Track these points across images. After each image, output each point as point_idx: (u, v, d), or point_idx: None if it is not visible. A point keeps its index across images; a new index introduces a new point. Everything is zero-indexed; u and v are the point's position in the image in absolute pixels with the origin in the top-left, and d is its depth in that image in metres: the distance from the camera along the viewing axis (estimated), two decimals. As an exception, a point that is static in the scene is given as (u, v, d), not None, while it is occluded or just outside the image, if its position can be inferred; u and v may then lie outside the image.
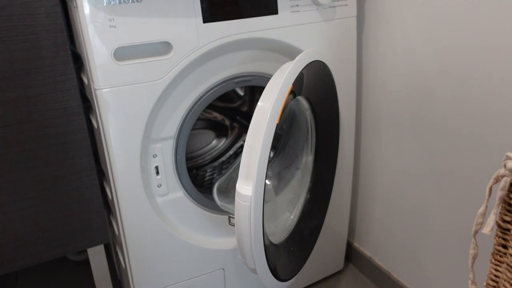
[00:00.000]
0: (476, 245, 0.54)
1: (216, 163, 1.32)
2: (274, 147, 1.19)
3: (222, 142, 1.35)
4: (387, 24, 1.08)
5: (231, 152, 1.34)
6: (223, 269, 1.12)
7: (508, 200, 0.49)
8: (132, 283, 1.03)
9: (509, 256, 0.50)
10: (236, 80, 0.98)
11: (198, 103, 0.95)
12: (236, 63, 0.97)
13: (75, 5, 0.80)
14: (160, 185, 0.98)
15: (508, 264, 0.50)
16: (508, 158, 0.46)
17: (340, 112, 1.11)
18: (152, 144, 0.94)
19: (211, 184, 1.20)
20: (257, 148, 0.78)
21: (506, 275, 0.50)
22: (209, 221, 1.07)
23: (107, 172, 0.95)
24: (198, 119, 1.32)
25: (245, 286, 1.19)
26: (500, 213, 0.50)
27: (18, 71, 0.84)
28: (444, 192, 1.03)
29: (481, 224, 0.52)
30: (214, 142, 1.35)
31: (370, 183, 1.27)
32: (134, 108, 0.87)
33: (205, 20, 0.89)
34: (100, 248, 1.12)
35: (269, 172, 1.17)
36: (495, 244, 0.51)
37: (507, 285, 0.50)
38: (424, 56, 0.99)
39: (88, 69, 0.85)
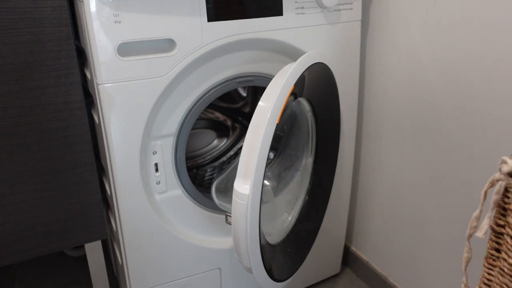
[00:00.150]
0: (469, 248, 0.54)
1: (216, 163, 1.32)
2: (274, 148, 1.20)
3: (223, 143, 1.35)
4: (391, 29, 1.08)
5: (231, 152, 1.34)
6: (219, 268, 1.12)
7: (502, 204, 0.49)
8: (128, 280, 1.03)
9: (502, 260, 0.50)
10: (238, 80, 0.99)
11: (200, 101, 0.96)
12: (239, 63, 0.98)
13: (81, 0, 0.81)
14: (159, 182, 0.98)
15: (500, 268, 0.50)
16: (503, 162, 0.46)
17: (341, 115, 1.11)
18: (152, 141, 0.94)
19: (211, 184, 1.21)
20: (256, 147, 0.78)
21: (498, 279, 0.50)
22: (207, 220, 1.08)
23: (107, 167, 0.95)
24: (200, 118, 1.32)
25: (241, 286, 1.19)
26: (494, 217, 0.50)
27: (22, 63, 0.85)
28: (442, 198, 1.03)
29: (475, 227, 0.52)
30: (215, 142, 1.35)
31: (369, 187, 1.27)
32: (135, 104, 0.87)
33: (209, 19, 0.89)
34: (98, 244, 1.12)
35: (268, 173, 1.18)
36: (488, 248, 0.51)
37: (500, 290, 0.50)
38: (427, 63, 1.00)
39: (92, 64, 0.86)
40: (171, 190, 1.00)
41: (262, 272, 0.90)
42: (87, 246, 1.11)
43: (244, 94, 1.33)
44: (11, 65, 0.84)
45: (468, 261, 0.55)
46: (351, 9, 1.06)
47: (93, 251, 1.12)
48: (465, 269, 0.56)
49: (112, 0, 0.80)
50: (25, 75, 0.86)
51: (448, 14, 0.92)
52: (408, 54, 1.04)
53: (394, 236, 1.21)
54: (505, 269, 0.49)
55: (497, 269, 0.51)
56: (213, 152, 1.34)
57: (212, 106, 1.33)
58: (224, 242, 1.11)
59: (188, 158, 1.28)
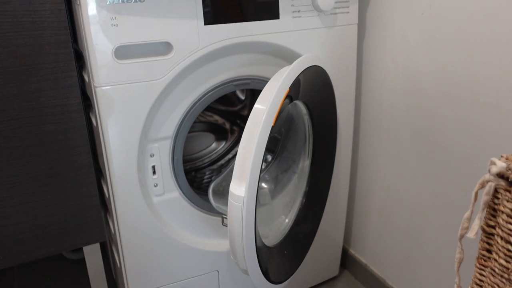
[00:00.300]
0: (461, 249, 0.54)
1: (214, 166, 1.33)
2: (272, 151, 1.20)
3: (222, 146, 1.36)
4: (387, 32, 1.09)
5: (229, 155, 1.35)
6: (217, 271, 1.13)
7: (492, 205, 0.49)
8: (126, 283, 1.03)
9: (493, 261, 0.50)
10: (235, 83, 0.99)
11: (197, 104, 0.96)
12: (235, 66, 0.98)
13: (78, 3, 0.81)
14: (157, 185, 0.98)
15: (492, 269, 0.50)
16: (492, 163, 0.47)
17: (338, 118, 1.12)
18: (150, 144, 0.95)
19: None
20: (252, 149, 0.78)
21: (490, 279, 0.50)
22: (205, 223, 1.08)
23: (105, 170, 0.96)
24: (199, 121, 1.33)
25: (239, 289, 1.19)
26: (484, 218, 0.50)
27: (20, 66, 0.85)
28: (439, 201, 1.03)
29: (467, 228, 0.52)
30: (214, 145, 1.36)
31: (367, 190, 1.28)
32: (133, 106, 0.88)
33: (206, 22, 0.90)
34: (96, 247, 1.12)
35: (266, 176, 1.18)
36: (479, 249, 0.52)
37: (492, 290, 0.51)
38: (422, 65, 1.00)
39: (89, 67, 0.86)
40: (169, 193, 1.01)
41: (258, 274, 0.90)
42: (86, 249, 1.11)
43: (243, 97, 1.33)
44: (9, 68, 0.85)
45: (460, 262, 0.55)
46: (348, 12, 1.06)
47: (92, 254, 1.13)
48: (458, 270, 0.56)
49: (110, 4, 0.80)
50: (23, 78, 0.86)
51: (443, 17, 0.93)
52: (404, 57, 1.05)
53: (392, 238, 1.22)
54: (496, 270, 0.50)
55: (488, 269, 0.51)
56: (212, 155, 1.35)
57: (210, 109, 1.34)
58: (222, 244, 1.11)
59: (186, 161, 1.29)
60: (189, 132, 1.00)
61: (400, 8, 1.04)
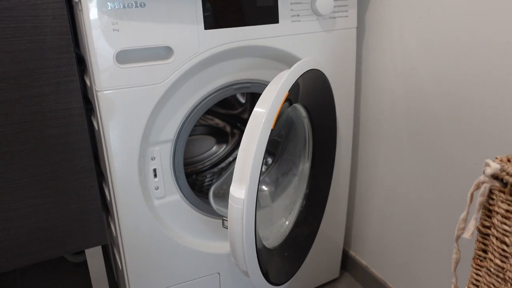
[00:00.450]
0: (458, 249, 0.55)
1: (215, 169, 1.33)
2: (272, 153, 1.21)
3: (222, 149, 1.36)
4: (386, 36, 1.10)
5: (230, 158, 1.35)
6: (218, 273, 1.13)
7: (487, 206, 0.50)
8: (128, 285, 1.04)
9: (488, 261, 0.51)
10: (235, 87, 1.00)
11: (197, 108, 0.97)
12: (236, 69, 0.99)
13: (80, 8, 0.83)
14: (158, 188, 0.99)
15: (487, 269, 0.51)
16: (487, 165, 0.48)
17: (337, 121, 1.13)
18: (151, 147, 0.96)
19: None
20: (251, 152, 0.79)
21: (486, 279, 0.51)
22: (206, 225, 1.09)
23: (106, 173, 0.97)
24: (200, 125, 1.34)
25: (240, 291, 1.19)
26: (480, 218, 0.51)
27: (23, 71, 0.86)
28: (439, 202, 1.03)
29: (463, 229, 0.53)
30: (214, 148, 1.37)
31: (367, 192, 1.28)
32: (134, 110, 0.89)
33: (206, 27, 0.91)
34: (98, 250, 1.13)
35: (266, 178, 1.19)
36: (475, 249, 0.52)
37: (489, 290, 0.51)
38: (421, 68, 1.01)
39: (91, 71, 0.87)
40: (170, 195, 1.02)
41: (258, 276, 0.90)
42: (88, 252, 1.12)
43: (243, 101, 1.34)
44: (12, 72, 0.86)
45: (457, 262, 0.56)
46: (347, 16, 1.07)
47: (94, 257, 1.13)
48: (455, 270, 0.57)
49: (111, 9, 0.81)
50: (26, 82, 0.87)
51: (442, 21, 0.93)
52: (403, 60, 1.06)
53: (392, 240, 1.22)
54: (492, 269, 0.50)
55: (484, 269, 0.52)
56: (212, 158, 1.35)
57: (211, 112, 1.34)
58: (223, 246, 1.12)
59: (187, 164, 1.30)
60: (190, 135, 1.00)
61: (398, 12, 1.05)
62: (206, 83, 0.97)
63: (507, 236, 0.48)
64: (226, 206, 1.03)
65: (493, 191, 0.49)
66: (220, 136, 1.37)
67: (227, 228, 0.85)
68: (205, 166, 1.34)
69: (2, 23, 0.82)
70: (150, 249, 1.01)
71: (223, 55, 0.95)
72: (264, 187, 1.17)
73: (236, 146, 1.36)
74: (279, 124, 0.97)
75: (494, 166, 0.47)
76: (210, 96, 0.98)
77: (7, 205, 0.94)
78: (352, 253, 1.41)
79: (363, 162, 1.28)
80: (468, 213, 0.52)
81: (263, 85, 1.03)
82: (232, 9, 0.92)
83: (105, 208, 1.18)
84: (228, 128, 1.37)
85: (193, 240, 1.08)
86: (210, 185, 1.26)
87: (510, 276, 0.49)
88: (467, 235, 0.50)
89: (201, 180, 1.28)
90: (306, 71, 0.90)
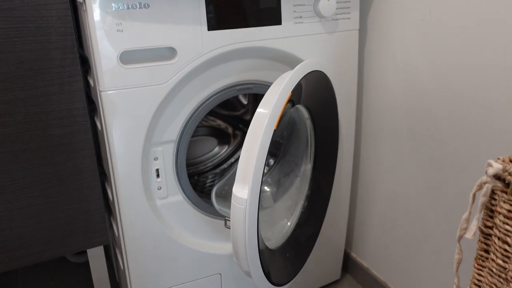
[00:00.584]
0: (460, 250, 0.55)
1: (217, 170, 1.34)
2: (274, 154, 1.21)
3: (224, 150, 1.37)
4: (388, 38, 1.10)
5: (232, 159, 1.36)
6: (220, 273, 1.14)
7: (489, 206, 0.50)
8: (130, 285, 1.04)
9: (490, 261, 0.51)
10: (238, 88, 1.00)
11: (200, 108, 0.98)
12: (238, 70, 1.00)
13: (84, 9, 0.83)
14: (160, 188, 1.00)
15: (489, 269, 0.51)
16: (489, 165, 0.48)
17: (339, 122, 1.13)
18: (154, 147, 0.96)
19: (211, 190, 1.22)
20: (254, 152, 0.80)
21: (488, 279, 0.51)
22: (208, 226, 1.09)
23: (109, 173, 0.97)
24: (202, 125, 1.34)
25: (241, 292, 1.20)
26: (482, 219, 0.51)
27: (27, 71, 0.87)
28: (440, 204, 1.04)
29: (465, 229, 0.53)
30: (216, 149, 1.37)
31: (368, 193, 1.28)
32: (137, 110, 0.89)
33: (210, 28, 0.91)
34: (100, 250, 1.13)
35: (268, 179, 1.19)
36: (477, 249, 0.53)
37: (491, 291, 0.52)
38: (423, 70, 1.01)
39: (94, 71, 0.88)
40: (172, 196, 1.02)
41: (260, 276, 0.91)
42: (90, 252, 1.12)
43: (245, 102, 1.34)
44: (16, 72, 0.86)
45: (459, 263, 0.56)
46: (349, 18, 1.08)
47: (96, 257, 1.14)
48: (457, 270, 0.57)
49: (115, 10, 0.82)
50: (30, 83, 0.88)
51: (443, 23, 0.94)
52: (405, 62, 1.06)
53: (393, 242, 1.22)
54: (494, 270, 0.51)
55: (486, 269, 0.52)
56: (214, 159, 1.36)
57: (213, 113, 1.35)
58: (224, 247, 1.12)
59: (189, 165, 1.30)
60: (192, 136, 1.01)
61: (400, 14, 1.05)
62: (209, 84, 0.97)
63: (509, 236, 0.48)
64: (228, 207, 1.04)
65: (495, 191, 0.50)
66: (222, 137, 1.37)
67: (229, 228, 0.85)
68: (207, 167, 1.34)
69: (6, 23, 0.83)
70: (152, 249, 1.02)
71: (226, 56, 0.96)
72: (266, 188, 1.18)
73: (238, 147, 1.36)
74: (281, 125, 0.97)
75: (496, 167, 0.48)
76: (213, 97, 0.98)
77: (10, 204, 0.94)
78: (353, 254, 1.41)
79: (365, 164, 1.28)
80: (470, 213, 0.53)
81: (266, 86, 1.03)
82: (235, 11, 0.93)
83: (108, 208, 1.18)
84: (230, 130, 1.38)
85: (195, 240, 1.08)
86: (212, 186, 1.26)
87: (512, 276, 0.49)
88: (469, 235, 0.51)
89: (203, 181, 1.29)
90: (309, 73, 0.91)
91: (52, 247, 1.02)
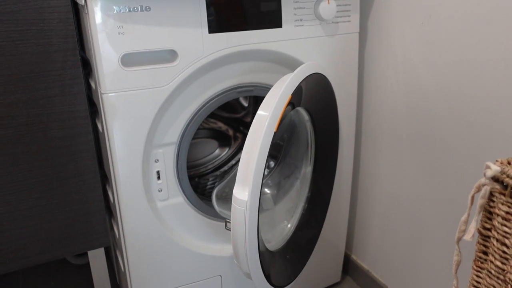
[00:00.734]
0: (459, 252, 0.56)
1: (218, 172, 1.34)
2: (275, 157, 1.21)
3: (225, 152, 1.37)
4: (388, 41, 1.10)
5: (233, 162, 1.36)
6: (220, 276, 1.14)
7: (488, 208, 0.51)
8: (130, 287, 1.04)
9: (489, 263, 0.51)
10: (238, 90, 1.01)
11: (201, 111, 0.98)
12: (239, 73, 1.00)
13: (86, 12, 0.84)
14: (161, 190, 1.00)
15: (488, 270, 0.51)
16: (487, 167, 0.48)
17: (340, 125, 1.13)
18: (155, 149, 0.96)
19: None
20: (255, 154, 0.80)
21: (486, 281, 0.52)
22: (208, 228, 1.09)
23: (110, 175, 0.97)
24: (202, 128, 1.35)
25: (241, 294, 1.20)
26: (481, 220, 0.52)
27: (29, 73, 0.87)
28: (441, 206, 1.04)
29: (464, 231, 0.54)
30: (217, 151, 1.37)
31: (368, 196, 1.29)
32: (138, 113, 0.90)
33: (211, 31, 0.92)
34: (101, 252, 1.14)
35: (269, 181, 1.19)
36: (476, 251, 0.53)
37: (489, 292, 0.52)
38: (423, 73, 1.02)
39: (96, 74, 0.88)
40: (173, 198, 1.02)
41: (261, 278, 0.91)
42: (90, 254, 1.13)
43: (246, 104, 1.35)
44: (18, 74, 0.87)
45: (458, 264, 0.57)
46: (349, 21, 1.08)
47: (96, 258, 1.14)
48: (456, 272, 0.57)
49: (117, 13, 0.82)
50: (31, 85, 0.88)
51: (443, 26, 0.94)
52: (405, 65, 1.06)
53: (394, 244, 1.23)
54: (492, 271, 0.51)
55: (485, 271, 0.52)
56: (215, 162, 1.36)
57: (214, 116, 1.35)
58: (225, 249, 1.12)
59: (190, 167, 1.30)
60: (193, 138, 1.01)
61: (400, 18, 1.05)
62: (210, 86, 0.98)
63: (507, 238, 0.49)
64: (229, 209, 1.04)
65: (493, 193, 0.50)
66: (223, 140, 1.38)
67: (230, 230, 0.85)
68: (208, 169, 1.34)
69: (9, 26, 0.83)
70: (153, 251, 1.02)
71: (227, 58, 0.96)
72: (266, 190, 1.18)
73: (239, 149, 1.36)
74: (282, 128, 0.97)
75: (494, 169, 0.48)
76: (214, 99, 0.99)
77: (11, 206, 0.95)
78: (353, 257, 1.41)
79: (365, 166, 1.28)
80: (469, 215, 0.53)
81: (266, 88, 1.03)
82: (236, 14, 0.93)
83: (108, 210, 1.18)
84: (230, 132, 1.38)
85: (196, 242, 1.09)
86: (212, 188, 1.26)
87: (511, 277, 0.49)
88: (468, 237, 0.51)
89: (203, 183, 1.29)
90: (309, 75, 0.91)
91: (53, 249, 1.03)
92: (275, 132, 0.82)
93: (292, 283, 1.05)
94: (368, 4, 1.15)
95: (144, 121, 0.91)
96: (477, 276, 0.53)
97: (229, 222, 0.85)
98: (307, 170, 1.09)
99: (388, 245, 1.25)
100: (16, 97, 0.88)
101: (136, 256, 1.01)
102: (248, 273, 0.88)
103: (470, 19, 0.88)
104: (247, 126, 1.36)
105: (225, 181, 1.14)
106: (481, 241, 0.52)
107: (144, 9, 0.84)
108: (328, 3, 1.01)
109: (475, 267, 0.54)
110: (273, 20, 0.98)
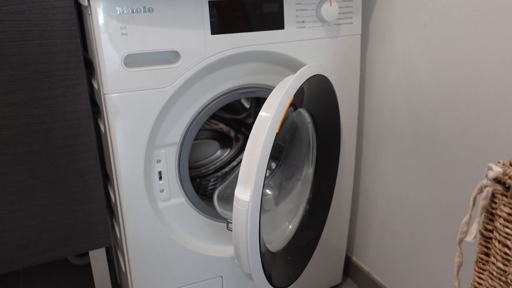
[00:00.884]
0: (461, 253, 0.56)
1: (219, 173, 1.34)
2: (276, 158, 1.22)
3: (226, 153, 1.37)
4: (390, 43, 1.11)
5: (234, 163, 1.36)
6: (221, 276, 1.14)
7: (490, 209, 0.51)
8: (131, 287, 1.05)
9: (491, 264, 0.51)
10: (240, 91, 1.01)
11: (203, 111, 0.98)
12: (241, 74, 1.00)
13: (89, 13, 0.84)
14: (163, 190, 1.00)
15: (490, 272, 0.51)
16: (489, 168, 0.48)
17: (341, 126, 1.13)
18: (157, 150, 0.97)
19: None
20: (257, 155, 0.80)
21: (488, 283, 0.52)
22: (209, 228, 1.09)
23: (112, 175, 0.97)
24: (204, 129, 1.35)
25: (242, 295, 1.20)
26: (483, 222, 0.52)
27: (32, 74, 0.88)
28: (442, 208, 1.04)
29: (466, 233, 0.54)
30: (219, 152, 1.37)
31: (370, 197, 1.29)
32: (140, 113, 0.90)
33: (213, 32, 0.92)
34: (102, 252, 1.14)
35: (270, 183, 1.19)
36: (478, 252, 0.53)
37: (491, 294, 0.52)
38: (425, 75, 1.02)
39: (99, 74, 0.88)
40: (174, 198, 1.02)
41: (262, 279, 0.91)
42: (92, 254, 1.13)
43: (248, 106, 1.35)
44: (21, 75, 0.87)
45: (459, 266, 0.57)
46: (351, 23, 1.08)
47: (97, 259, 1.14)
48: (457, 274, 0.57)
49: (120, 14, 0.83)
50: (34, 85, 0.88)
51: (445, 28, 0.94)
52: (407, 67, 1.07)
53: (395, 246, 1.23)
54: (494, 273, 0.51)
55: (486, 273, 0.52)
56: (216, 163, 1.36)
57: (216, 117, 1.35)
58: (226, 250, 1.12)
59: (192, 168, 1.30)
60: (195, 139, 1.01)
61: (402, 19, 1.06)
62: (212, 87, 0.98)
63: (509, 240, 0.49)
64: (230, 209, 1.04)
65: (495, 194, 0.50)
66: (224, 141, 1.38)
67: (231, 231, 0.85)
68: (209, 170, 1.35)
69: (12, 26, 0.84)
70: (154, 251, 1.02)
71: (229, 60, 0.96)
72: (268, 191, 1.18)
73: (240, 151, 1.37)
74: (283, 129, 0.97)
75: (496, 170, 0.48)
76: (216, 100, 0.99)
77: (13, 206, 0.95)
78: (354, 259, 1.41)
79: (366, 168, 1.28)
80: (470, 216, 0.53)
81: (268, 90, 1.04)
82: (238, 15, 0.94)
83: (110, 210, 1.19)
84: (232, 133, 1.38)
85: (197, 243, 1.09)
86: (213, 189, 1.26)
87: (512, 279, 0.49)
88: (469, 238, 0.51)
89: (205, 184, 1.29)
90: (311, 77, 0.91)
91: (54, 249, 1.03)
92: (277, 133, 0.82)
93: (293, 284, 1.05)
94: (370, 6, 1.15)
95: (146, 122, 0.91)
96: (479, 277, 0.53)
97: (231, 223, 0.85)
98: (308, 171, 1.09)
99: (389, 247, 1.25)
100: (18, 97, 0.88)
101: (137, 257, 1.01)
102: (249, 274, 0.88)
103: (472, 21, 0.88)
104: (249, 127, 1.36)
105: (227, 182, 1.14)
106: (483, 242, 0.53)
107: (147, 10, 0.85)
108: (330, 4, 1.01)
109: (476, 268, 0.54)
110: (275, 21, 0.98)
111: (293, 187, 1.14)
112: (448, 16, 0.93)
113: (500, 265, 0.50)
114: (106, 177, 1.14)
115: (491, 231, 0.51)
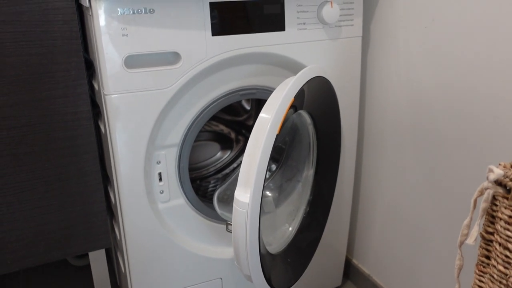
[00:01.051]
0: (461, 256, 0.55)
1: (219, 175, 1.34)
2: (276, 160, 1.21)
3: (227, 155, 1.37)
4: (391, 45, 1.11)
5: (234, 165, 1.36)
6: (221, 278, 1.14)
7: (491, 212, 0.51)
8: (131, 289, 1.04)
9: (492, 267, 0.51)
10: (241, 93, 1.01)
11: (204, 113, 0.98)
12: (242, 76, 1.00)
13: (90, 14, 0.84)
14: (163, 192, 1.00)
15: (491, 275, 0.51)
16: (490, 171, 0.48)
17: (342, 128, 1.13)
18: (157, 151, 0.97)
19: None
20: (257, 157, 0.80)
21: (489, 286, 0.51)
22: (209, 230, 1.09)
23: (112, 176, 0.97)
24: (205, 130, 1.35)
25: (242, 297, 1.20)
26: (483, 224, 0.52)
27: (32, 74, 0.88)
28: (443, 210, 1.04)
29: (466, 235, 0.54)
30: (219, 154, 1.37)
31: (370, 200, 1.29)
32: (141, 114, 0.90)
33: (214, 33, 0.92)
34: (101, 253, 1.14)
35: (270, 184, 1.19)
36: (478, 255, 0.53)
37: (491, 297, 0.52)
38: (426, 77, 1.02)
39: (99, 75, 0.88)
40: (174, 200, 1.02)
41: (261, 281, 0.91)
42: (91, 255, 1.13)
43: (248, 107, 1.35)
44: (22, 75, 0.87)
45: (460, 269, 0.57)
46: (352, 25, 1.08)
47: (97, 260, 1.14)
48: (458, 277, 0.57)
49: (121, 15, 0.83)
50: (35, 86, 0.89)
51: (446, 31, 0.94)
52: (407, 69, 1.07)
53: (395, 249, 1.22)
54: (495, 276, 0.51)
55: (487, 275, 0.52)
56: (217, 164, 1.36)
57: (216, 118, 1.35)
58: (226, 252, 1.12)
59: (192, 170, 1.30)
60: (195, 141, 1.01)
61: (403, 22, 1.06)
62: (213, 89, 0.98)
63: (510, 242, 0.49)
64: (230, 211, 1.04)
65: (496, 197, 0.50)
66: (225, 143, 1.38)
67: (231, 232, 0.85)
68: (209, 172, 1.34)
69: (14, 27, 0.84)
70: (154, 252, 1.02)
71: (230, 61, 0.96)
72: (268, 193, 1.18)
73: (240, 152, 1.36)
74: (284, 130, 0.98)
75: (497, 172, 0.48)
76: (216, 102, 0.99)
77: (13, 206, 0.95)
78: (354, 261, 1.41)
79: (367, 170, 1.28)
80: (471, 219, 0.53)
81: (269, 91, 1.04)
82: (239, 16, 0.94)
83: (110, 211, 1.18)
84: (232, 135, 1.38)
85: (197, 244, 1.09)
86: (213, 191, 1.26)
87: (513, 282, 0.49)
88: (470, 241, 0.51)
89: (205, 186, 1.29)
90: (312, 78, 0.91)
91: (54, 250, 1.03)
92: (277, 135, 0.82)
93: (293, 286, 1.05)
94: (371, 8, 1.15)
95: (146, 123, 0.91)
96: (480, 280, 0.53)
97: (230, 225, 0.85)
98: (309, 173, 1.09)
99: (390, 249, 1.24)
100: (19, 98, 0.88)
101: (137, 258, 1.01)
102: (249, 275, 0.88)
103: (473, 23, 0.88)
104: (249, 129, 1.36)
105: (227, 183, 1.14)
106: (483, 245, 0.52)
107: (148, 11, 0.85)
108: (331, 6, 1.01)
109: (477, 271, 0.53)
110: (276, 23, 0.98)
111: (293, 189, 1.14)
112: (450, 18, 0.93)
113: (501, 268, 0.50)
114: (106, 178, 1.14)
115: (491, 233, 0.51)
